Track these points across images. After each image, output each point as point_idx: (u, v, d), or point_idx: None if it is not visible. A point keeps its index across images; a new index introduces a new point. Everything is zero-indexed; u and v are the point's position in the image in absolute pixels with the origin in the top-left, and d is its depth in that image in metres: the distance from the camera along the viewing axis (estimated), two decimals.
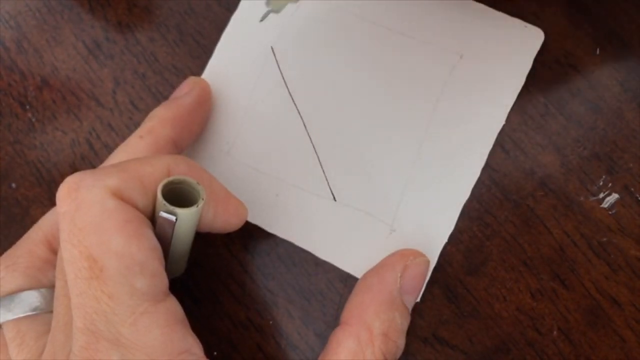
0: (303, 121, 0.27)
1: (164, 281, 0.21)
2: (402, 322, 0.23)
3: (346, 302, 0.24)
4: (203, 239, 0.27)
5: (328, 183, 0.27)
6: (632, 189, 0.26)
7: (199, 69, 0.29)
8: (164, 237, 0.21)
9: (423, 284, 0.24)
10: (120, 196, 0.20)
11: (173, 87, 0.29)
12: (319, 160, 0.27)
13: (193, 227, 0.22)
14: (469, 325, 0.25)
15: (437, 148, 0.27)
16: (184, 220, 0.21)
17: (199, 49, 0.29)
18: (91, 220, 0.20)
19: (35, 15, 0.30)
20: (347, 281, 0.26)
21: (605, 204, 0.26)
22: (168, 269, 0.22)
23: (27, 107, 0.29)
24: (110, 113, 0.29)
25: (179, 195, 0.21)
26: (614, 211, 0.26)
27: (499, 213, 0.26)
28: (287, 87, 0.28)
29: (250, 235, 0.27)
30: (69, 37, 0.30)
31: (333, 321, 0.26)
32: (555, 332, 0.25)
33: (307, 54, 0.28)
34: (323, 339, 0.26)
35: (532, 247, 0.26)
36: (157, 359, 0.19)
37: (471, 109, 0.27)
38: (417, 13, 0.28)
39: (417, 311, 0.25)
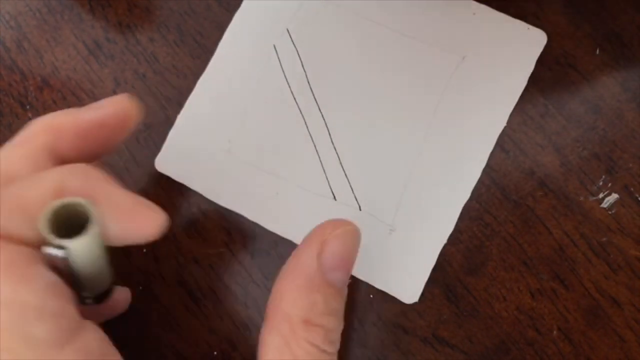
0: (304, 120, 0.28)
1: (70, 317, 0.18)
2: (327, 303, 0.21)
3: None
4: (203, 238, 0.27)
5: (328, 182, 0.27)
6: (632, 189, 0.26)
7: (199, 69, 0.29)
8: (61, 269, 0.19)
9: (352, 256, 0.22)
10: (0, 234, 0.18)
11: (174, 87, 0.29)
12: (320, 160, 0.27)
13: (94, 253, 0.19)
14: (469, 325, 0.25)
15: (438, 148, 0.27)
16: (78, 251, 0.18)
17: (199, 49, 0.29)
18: None
19: (35, 15, 0.30)
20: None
21: (605, 204, 0.26)
22: (89, 288, 0.20)
23: (28, 107, 0.29)
24: None
25: (77, 214, 0.19)
26: (613, 211, 0.26)
27: (499, 213, 0.26)
28: (289, 86, 0.28)
29: (251, 234, 0.27)
30: (70, 37, 0.30)
31: None
32: (555, 332, 0.25)
33: (309, 54, 0.28)
34: None
35: (531, 247, 0.26)
36: None
37: (472, 110, 0.27)
38: (420, 14, 0.28)
39: (416, 311, 0.25)
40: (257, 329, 0.26)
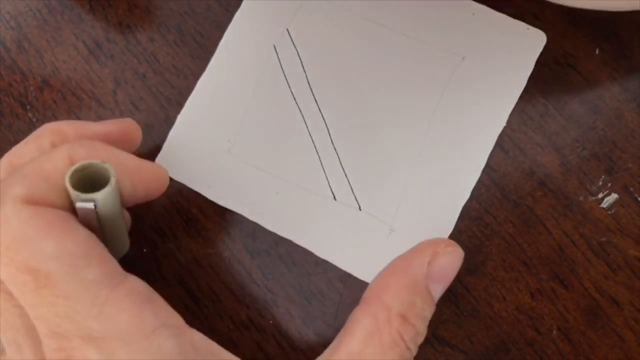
0: (305, 120, 0.28)
1: (114, 263, 0.20)
2: (423, 308, 0.23)
3: (370, 282, 0.24)
4: (203, 238, 0.27)
5: (328, 182, 0.27)
6: (632, 189, 0.26)
7: (199, 69, 0.29)
8: (91, 224, 0.21)
9: (452, 274, 0.24)
10: (32, 201, 0.20)
11: (174, 87, 0.29)
12: (320, 160, 0.27)
13: (115, 205, 0.22)
14: (469, 325, 0.25)
15: (437, 148, 0.27)
16: (103, 203, 0.21)
17: (199, 49, 0.29)
18: (14, 235, 0.19)
19: (35, 15, 0.30)
20: (347, 281, 0.26)
21: (604, 204, 0.26)
22: (110, 251, 0.21)
23: (28, 107, 0.29)
24: (110, 113, 0.29)
25: (92, 178, 0.21)
26: (613, 211, 0.26)
27: (499, 213, 0.26)
28: (289, 86, 0.28)
29: (251, 234, 0.27)
30: (70, 38, 0.30)
31: (333, 321, 0.26)
32: (554, 332, 0.25)
33: (309, 54, 0.28)
34: (323, 338, 0.26)
35: (531, 247, 0.26)
36: (133, 342, 0.19)
37: (472, 110, 0.27)
38: (420, 14, 0.28)
39: None
40: (257, 328, 0.26)
